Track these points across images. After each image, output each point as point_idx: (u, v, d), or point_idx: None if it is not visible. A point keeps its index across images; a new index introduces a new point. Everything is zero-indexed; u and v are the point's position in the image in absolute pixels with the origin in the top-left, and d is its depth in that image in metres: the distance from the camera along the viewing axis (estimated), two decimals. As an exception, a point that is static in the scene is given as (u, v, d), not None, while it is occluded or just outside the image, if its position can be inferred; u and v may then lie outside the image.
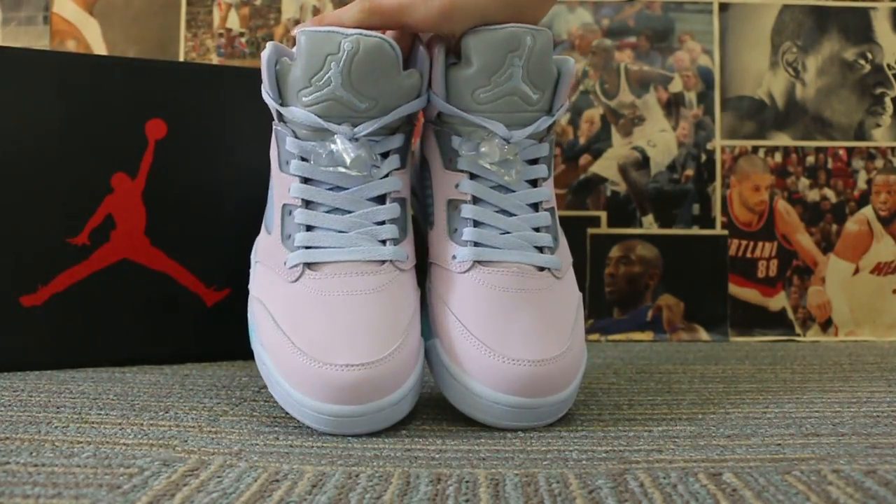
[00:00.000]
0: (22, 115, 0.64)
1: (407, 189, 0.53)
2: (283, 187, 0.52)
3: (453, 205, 0.52)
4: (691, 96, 0.89)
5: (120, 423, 0.47)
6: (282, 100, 0.50)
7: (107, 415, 0.49)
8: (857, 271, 0.89)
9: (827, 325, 0.88)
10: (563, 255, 0.53)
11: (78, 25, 0.89)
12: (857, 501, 0.34)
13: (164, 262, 0.68)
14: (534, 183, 0.53)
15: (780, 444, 0.44)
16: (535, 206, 0.52)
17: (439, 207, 0.52)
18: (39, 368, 0.64)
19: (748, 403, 0.54)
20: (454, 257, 0.51)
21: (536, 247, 0.51)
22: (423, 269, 0.54)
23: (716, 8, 0.90)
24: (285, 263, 0.51)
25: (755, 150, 0.89)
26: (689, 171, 0.89)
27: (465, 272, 0.50)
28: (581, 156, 0.88)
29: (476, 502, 0.35)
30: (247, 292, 0.70)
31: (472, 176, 0.51)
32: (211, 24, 0.90)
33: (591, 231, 0.88)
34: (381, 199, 0.51)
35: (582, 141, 0.89)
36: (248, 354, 0.69)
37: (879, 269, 0.89)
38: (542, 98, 0.51)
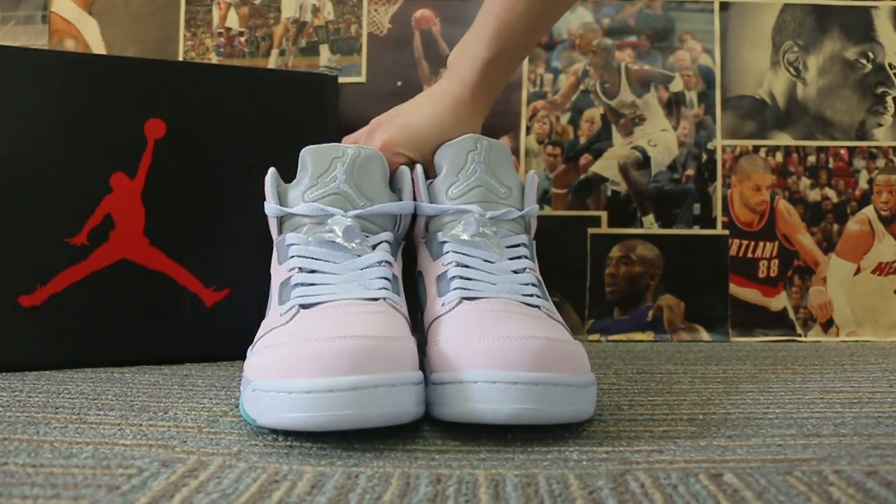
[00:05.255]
0: (20, 115, 0.64)
1: (397, 269, 0.56)
2: (280, 276, 0.54)
3: (441, 277, 0.54)
4: (692, 96, 0.89)
5: (119, 424, 0.47)
6: (281, 206, 0.56)
7: (106, 415, 0.49)
8: (858, 271, 0.89)
9: (828, 325, 0.88)
10: (554, 314, 0.53)
11: (77, 24, 0.89)
12: (858, 502, 0.34)
13: (163, 262, 0.68)
14: (516, 259, 0.55)
15: (781, 445, 0.43)
16: (519, 271, 0.54)
17: (431, 289, 0.55)
18: (38, 368, 0.64)
19: (749, 404, 0.54)
20: (443, 305, 0.52)
21: (526, 294, 0.53)
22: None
23: (716, 7, 0.90)
24: (280, 316, 0.50)
25: (756, 149, 0.89)
26: (690, 171, 0.88)
27: (451, 310, 0.51)
28: (581, 155, 0.88)
29: (476, 503, 0.34)
30: (246, 292, 0.70)
31: (456, 253, 0.55)
32: (210, 24, 0.89)
33: (591, 231, 0.88)
34: (376, 265, 0.53)
35: (582, 140, 0.88)
36: (247, 355, 0.69)
37: (881, 269, 0.89)
38: (510, 194, 0.57)
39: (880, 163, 0.89)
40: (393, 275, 0.54)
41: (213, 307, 0.69)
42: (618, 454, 0.42)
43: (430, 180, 0.59)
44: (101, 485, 0.36)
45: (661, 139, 0.89)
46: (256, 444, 0.43)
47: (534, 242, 0.59)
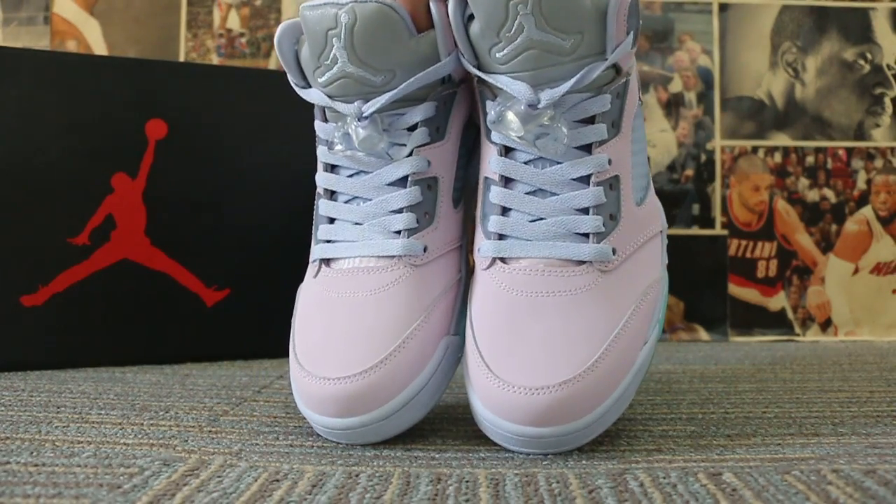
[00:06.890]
0: (22, 116, 0.64)
1: (443, 165, 0.46)
2: (317, 181, 0.48)
3: (487, 184, 0.45)
4: (691, 96, 0.89)
5: (120, 423, 0.47)
6: (305, 81, 0.46)
7: (107, 415, 0.49)
8: (856, 271, 0.89)
9: (826, 324, 0.88)
10: (626, 235, 0.44)
11: (78, 26, 0.89)
12: (856, 501, 0.34)
13: (164, 262, 0.68)
14: (587, 149, 0.43)
15: (779, 444, 0.44)
16: (586, 180, 0.43)
17: (479, 196, 0.46)
18: (40, 368, 0.64)
19: (748, 403, 0.54)
20: (479, 250, 0.45)
21: (579, 233, 0.43)
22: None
23: (715, 8, 0.90)
24: (312, 262, 0.48)
25: (755, 150, 0.89)
26: (689, 171, 0.89)
27: (485, 269, 0.44)
28: (581, 156, 0.88)
29: (476, 502, 0.35)
30: (246, 292, 0.70)
31: (507, 150, 0.44)
32: (211, 25, 0.90)
33: (590, 231, 0.88)
34: (402, 182, 0.45)
35: (582, 141, 0.89)
36: (247, 354, 0.69)
37: (879, 269, 0.89)
38: (580, 42, 0.41)
39: (878, 163, 0.89)
40: (430, 181, 0.45)
41: (213, 307, 0.69)
42: (617, 453, 0.42)
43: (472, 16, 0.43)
44: (103, 484, 0.36)
45: (660, 139, 0.89)
46: (257, 444, 0.43)
47: (629, 82, 0.44)
